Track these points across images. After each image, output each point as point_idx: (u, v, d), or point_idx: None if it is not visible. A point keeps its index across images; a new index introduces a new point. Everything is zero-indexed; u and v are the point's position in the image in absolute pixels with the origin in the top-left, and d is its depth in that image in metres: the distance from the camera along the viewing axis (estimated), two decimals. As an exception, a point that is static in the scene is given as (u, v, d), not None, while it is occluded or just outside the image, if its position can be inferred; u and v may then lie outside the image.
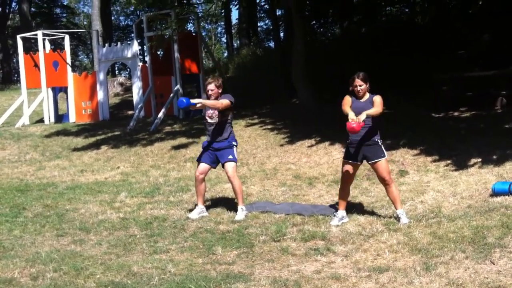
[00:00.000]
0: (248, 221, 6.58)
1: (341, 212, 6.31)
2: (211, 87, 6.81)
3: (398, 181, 8.17)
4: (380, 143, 6.23)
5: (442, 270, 4.56)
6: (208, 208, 7.25)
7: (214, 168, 7.14)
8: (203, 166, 6.94)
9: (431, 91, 12.82)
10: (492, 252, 4.84)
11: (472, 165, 8.20)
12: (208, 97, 6.86)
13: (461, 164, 8.34)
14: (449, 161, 8.58)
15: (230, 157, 6.89)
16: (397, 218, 6.10)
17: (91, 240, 6.16)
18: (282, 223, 6.33)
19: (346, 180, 6.32)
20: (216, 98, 6.84)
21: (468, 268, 4.56)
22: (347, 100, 6.22)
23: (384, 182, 6.21)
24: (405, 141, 9.80)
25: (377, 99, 6.18)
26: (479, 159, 8.36)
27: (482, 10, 20.23)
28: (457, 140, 9.45)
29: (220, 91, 6.86)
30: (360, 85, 6.15)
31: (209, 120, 6.94)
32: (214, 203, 7.67)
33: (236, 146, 7.05)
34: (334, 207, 6.90)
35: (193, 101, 6.64)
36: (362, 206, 7.03)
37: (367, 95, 6.22)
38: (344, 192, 6.38)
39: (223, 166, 6.97)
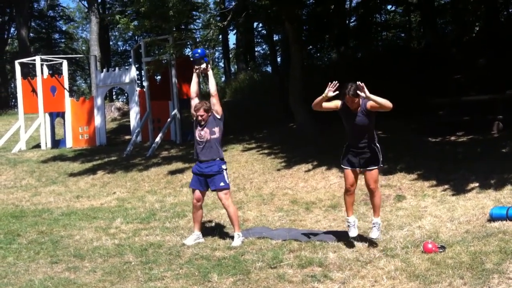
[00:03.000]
0: (244, 247, 6.51)
1: (352, 218, 6.33)
2: (201, 112, 6.84)
3: (395, 206, 8.14)
4: (377, 150, 6.23)
5: (441, 297, 4.50)
6: (204, 233, 7.18)
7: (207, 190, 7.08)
8: (198, 193, 6.91)
9: (427, 116, 12.83)
10: (491, 278, 4.78)
11: (470, 190, 8.17)
12: (198, 122, 6.88)
13: (458, 189, 8.31)
14: (446, 186, 8.55)
15: (222, 184, 6.82)
16: (374, 227, 6.25)
17: (85, 267, 6.08)
18: (279, 249, 6.26)
19: (350, 186, 6.28)
20: (206, 121, 6.85)
21: (467, 295, 4.51)
22: (335, 102, 6.21)
23: (370, 189, 6.30)
24: (402, 165, 9.79)
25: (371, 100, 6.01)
26: (477, 184, 8.33)
27: (477, 36, 20.44)
28: (454, 165, 9.43)
29: (209, 114, 6.90)
30: (354, 101, 6.05)
31: (199, 139, 6.90)
32: (211, 229, 7.61)
33: (226, 169, 6.97)
34: (332, 232, 6.84)
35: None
36: (360, 231, 6.96)
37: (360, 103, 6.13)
38: (349, 198, 6.35)
39: (216, 192, 6.92)
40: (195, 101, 7.12)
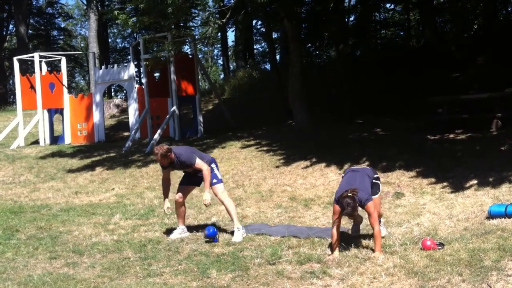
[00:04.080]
0: (243, 243, 6.52)
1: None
2: (160, 161, 6.75)
3: (394, 203, 8.15)
4: (378, 182, 6.26)
5: (439, 293, 4.51)
6: (202, 230, 7.20)
7: (197, 186, 7.19)
8: (182, 188, 7.02)
9: (426, 114, 12.85)
10: (489, 275, 4.79)
11: (468, 188, 8.18)
12: (164, 167, 6.87)
13: (457, 186, 8.32)
14: (445, 183, 8.56)
15: (214, 180, 6.88)
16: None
17: (84, 263, 6.08)
18: (277, 246, 6.27)
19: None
20: (172, 163, 6.76)
21: (465, 291, 4.52)
22: (336, 211, 5.85)
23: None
24: (401, 163, 9.80)
25: (370, 208, 5.78)
26: (475, 181, 8.34)
27: (476, 34, 20.46)
28: (453, 163, 9.44)
29: (170, 154, 6.70)
30: (353, 210, 5.74)
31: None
32: (209, 225, 7.59)
33: (216, 166, 7.02)
34: (330, 229, 6.84)
35: (204, 201, 6.66)
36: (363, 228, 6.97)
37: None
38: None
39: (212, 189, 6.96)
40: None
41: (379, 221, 6.14)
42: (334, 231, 5.84)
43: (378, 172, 6.45)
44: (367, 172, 6.25)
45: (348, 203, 5.67)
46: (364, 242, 6.20)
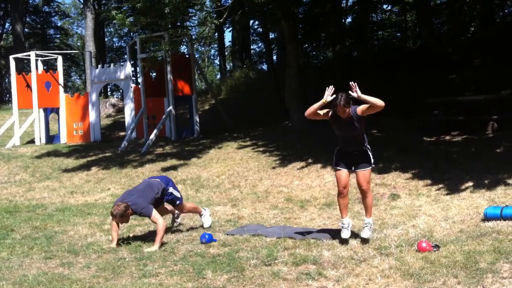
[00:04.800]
0: (239, 244, 6.51)
1: (347, 220, 6.32)
2: (119, 221, 6.72)
3: (390, 205, 8.15)
4: (369, 151, 6.28)
5: (435, 295, 4.51)
6: (197, 230, 7.20)
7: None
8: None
9: (422, 115, 12.88)
10: (485, 278, 4.79)
11: (464, 190, 8.20)
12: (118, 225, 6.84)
13: (452, 188, 8.33)
14: (441, 185, 8.58)
15: (178, 202, 7.20)
16: (365, 226, 6.27)
17: (79, 263, 6.06)
18: (273, 247, 6.26)
19: (342, 188, 6.28)
20: (129, 216, 6.72)
21: (461, 293, 4.52)
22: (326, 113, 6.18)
23: (362, 190, 6.31)
24: (397, 164, 9.81)
25: (362, 106, 6.05)
26: (471, 183, 8.36)
27: (473, 36, 20.51)
28: (449, 164, 9.46)
29: (129, 212, 6.64)
30: (345, 111, 6.03)
31: None
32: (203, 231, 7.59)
33: (173, 186, 7.25)
34: (326, 231, 6.85)
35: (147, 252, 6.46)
36: (354, 229, 6.97)
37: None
38: (343, 201, 6.36)
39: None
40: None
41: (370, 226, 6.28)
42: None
43: (372, 174, 6.49)
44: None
45: (341, 95, 5.96)
46: (359, 243, 6.20)
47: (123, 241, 6.88)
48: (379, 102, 5.90)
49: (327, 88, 6.05)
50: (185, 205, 7.38)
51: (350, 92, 5.92)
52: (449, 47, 18.69)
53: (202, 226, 7.45)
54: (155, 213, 6.68)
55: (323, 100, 6.04)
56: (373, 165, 6.34)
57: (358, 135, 6.22)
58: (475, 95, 12.73)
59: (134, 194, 6.76)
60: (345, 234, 6.27)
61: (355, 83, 5.93)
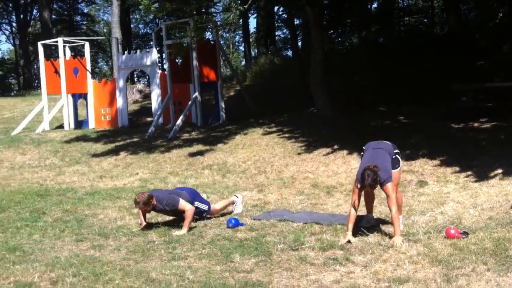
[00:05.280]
0: (266, 229, 6.56)
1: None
2: (142, 209, 6.79)
3: (418, 191, 8.12)
4: (398, 157, 6.22)
5: (463, 282, 4.51)
6: (224, 215, 7.28)
7: None
8: None
9: (450, 102, 12.73)
10: (514, 265, 4.77)
11: (493, 177, 8.12)
12: (144, 214, 6.93)
13: (481, 175, 8.26)
14: (469, 172, 8.51)
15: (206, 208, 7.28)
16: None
17: (110, 245, 6.18)
18: (300, 232, 6.30)
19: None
20: (154, 208, 6.81)
21: (490, 280, 4.50)
22: (356, 192, 6.00)
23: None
24: (424, 151, 9.74)
25: (389, 189, 5.82)
26: (500, 171, 8.27)
27: (501, 22, 20.13)
28: (477, 151, 9.37)
29: (152, 201, 6.74)
30: (373, 182, 5.80)
31: None
32: (230, 211, 7.67)
33: (198, 194, 7.37)
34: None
35: (174, 234, 6.57)
36: (382, 216, 6.97)
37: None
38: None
39: None
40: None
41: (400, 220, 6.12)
42: (352, 210, 5.94)
43: (400, 155, 6.41)
44: (388, 150, 6.24)
45: (368, 174, 5.75)
46: (388, 229, 6.20)
47: (153, 225, 6.99)
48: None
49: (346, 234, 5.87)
50: (215, 209, 7.37)
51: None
52: (477, 33, 18.38)
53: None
54: (181, 201, 6.77)
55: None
56: (400, 168, 6.24)
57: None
58: (504, 81, 12.52)
59: (160, 190, 7.05)
60: (363, 223, 6.21)
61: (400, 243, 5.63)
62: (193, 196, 7.16)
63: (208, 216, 7.33)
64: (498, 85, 12.50)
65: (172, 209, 6.82)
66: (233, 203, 7.60)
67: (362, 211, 6.59)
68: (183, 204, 6.75)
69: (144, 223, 6.89)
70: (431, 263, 5.00)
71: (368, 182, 5.76)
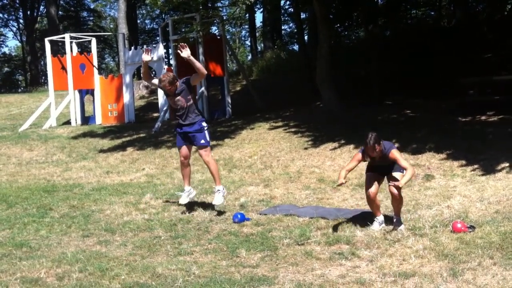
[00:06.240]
0: (272, 224, 6.57)
1: (381, 218, 6.21)
2: (166, 85, 7.01)
3: (424, 185, 8.09)
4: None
5: (470, 276, 4.50)
6: (230, 210, 7.28)
7: (193, 145, 7.40)
8: (185, 149, 7.26)
9: (457, 95, 12.66)
10: (521, 259, 4.75)
11: (500, 170, 8.08)
12: (168, 93, 7.14)
13: (488, 169, 8.22)
14: (476, 166, 8.47)
15: (203, 141, 7.16)
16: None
17: (116, 241, 6.21)
18: (306, 227, 6.30)
19: (371, 196, 6.09)
20: (175, 91, 7.07)
21: (496, 274, 4.49)
22: (356, 158, 6.09)
23: (392, 195, 6.03)
24: (431, 145, 9.70)
25: (395, 154, 5.89)
26: (507, 164, 8.22)
27: (509, 15, 19.98)
28: (484, 145, 9.32)
29: (176, 82, 7.09)
30: (376, 150, 5.86)
31: (175, 107, 7.24)
32: (238, 205, 7.67)
33: (207, 128, 7.30)
34: (359, 211, 6.85)
35: (182, 54, 6.99)
36: (387, 210, 6.95)
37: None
38: (373, 203, 6.16)
39: (197, 150, 7.29)
40: (155, 80, 7.39)
41: (399, 220, 6.10)
42: (342, 170, 6.06)
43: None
44: None
45: (371, 135, 5.82)
46: (393, 224, 6.18)
47: (158, 220, 7.00)
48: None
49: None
50: (209, 158, 7.19)
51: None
52: (485, 26, 18.26)
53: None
54: (194, 75, 7.15)
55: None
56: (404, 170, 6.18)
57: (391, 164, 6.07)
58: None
59: None
60: (375, 226, 6.14)
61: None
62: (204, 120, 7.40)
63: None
64: (506, 78, 12.41)
65: (189, 84, 7.13)
66: (217, 184, 7.25)
67: (363, 207, 6.56)
68: (197, 74, 7.11)
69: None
70: (437, 257, 4.99)
71: (371, 142, 5.79)
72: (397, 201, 5.95)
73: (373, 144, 5.81)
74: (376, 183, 6.10)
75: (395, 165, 5.98)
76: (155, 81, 7.40)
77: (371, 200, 6.12)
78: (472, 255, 4.95)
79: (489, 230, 5.55)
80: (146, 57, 7.14)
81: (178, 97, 7.10)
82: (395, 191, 5.85)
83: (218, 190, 7.19)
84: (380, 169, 6.10)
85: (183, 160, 7.30)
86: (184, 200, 7.36)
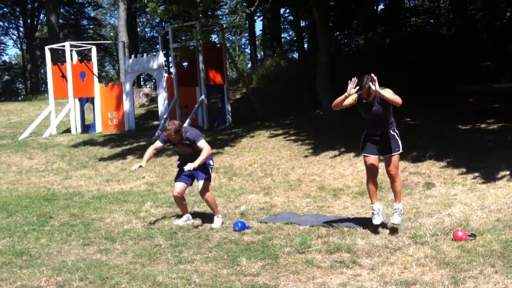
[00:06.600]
0: (272, 232, 6.55)
1: (377, 205, 6.30)
2: (172, 137, 6.86)
3: (424, 193, 8.09)
4: (396, 136, 6.22)
5: (471, 284, 4.48)
6: (231, 218, 7.27)
7: (190, 185, 7.32)
8: (180, 185, 7.12)
9: (457, 103, 12.68)
10: (522, 267, 4.74)
11: (500, 178, 8.07)
12: (174, 143, 7.00)
13: (488, 177, 8.21)
14: (476, 174, 8.46)
15: (206, 176, 7.07)
16: (395, 212, 6.22)
17: (116, 249, 6.19)
18: (306, 235, 6.28)
19: (371, 173, 6.28)
20: (181, 140, 6.89)
21: (498, 283, 4.48)
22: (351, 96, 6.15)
23: (390, 175, 6.26)
24: (431, 153, 9.70)
25: (389, 90, 6.03)
26: (507, 172, 8.22)
27: (508, 22, 20.05)
28: (485, 153, 9.32)
29: (182, 130, 6.85)
30: (371, 94, 6.00)
31: (181, 153, 7.19)
32: (238, 214, 7.66)
33: (212, 166, 7.27)
34: (360, 219, 6.84)
35: (186, 168, 6.67)
36: (388, 218, 6.94)
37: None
38: (372, 186, 6.33)
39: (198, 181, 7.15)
40: (157, 143, 7.19)
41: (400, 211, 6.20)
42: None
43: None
44: None
45: (367, 77, 5.88)
46: (394, 232, 6.17)
47: (159, 228, 6.99)
48: (396, 100, 5.88)
49: (349, 81, 6.00)
50: (208, 193, 7.09)
51: (370, 84, 5.86)
52: (484, 33, 18.32)
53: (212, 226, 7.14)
54: (203, 141, 6.87)
55: (346, 94, 6.01)
56: (401, 151, 6.26)
57: (384, 119, 6.17)
58: (511, 82, 12.46)
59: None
60: (377, 220, 6.25)
61: (376, 77, 5.89)
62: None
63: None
64: (505, 85, 12.44)
65: (192, 142, 6.85)
66: (216, 214, 7.15)
67: (363, 215, 6.55)
68: (202, 144, 6.83)
69: (144, 161, 7.03)
70: (439, 266, 4.97)
71: (367, 84, 5.86)
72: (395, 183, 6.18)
73: (368, 88, 5.90)
74: (374, 164, 6.23)
75: (392, 142, 6.12)
76: (158, 144, 7.22)
77: (371, 173, 6.28)
78: (474, 263, 4.94)
79: (490, 238, 5.54)
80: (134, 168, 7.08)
81: (184, 147, 7.03)
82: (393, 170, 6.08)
83: (217, 216, 7.09)
84: (376, 143, 6.21)
85: (177, 195, 7.11)
86: (181, 222, 7.18)
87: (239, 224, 6.78)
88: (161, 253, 5.92)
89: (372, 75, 5.91)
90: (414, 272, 4.89)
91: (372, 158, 6.24)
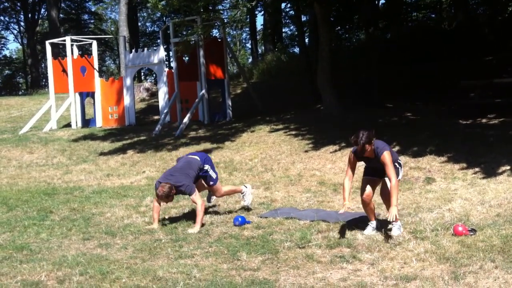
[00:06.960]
0: (272, 227, 6.55)
1: (374, 223, 6.13)
2: (164, 201, 6.82)
3: (425, 188, 8.08)
4: (398, 166, 6.08)
5: (471, 279, 4.48)
6: (230, 213, 7.28)
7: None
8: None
9: (458, 98, 12.66)
10: (523, 262, 4.73)
11: (501, 173, 8.06)
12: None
13: (489, 172, 8.20)
14: (477, 169, 8.45)
15: (211, 183, 7.20)
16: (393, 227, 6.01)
17: (117, 244, 6.19)
18: (307, 230, 6.28)
19: (365, 196, 6.05)
20: (173, 196, 6.80)
21: (498, 278, 4.47)
22: (351, 161, 6.00)
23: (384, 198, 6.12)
24: (432, 148, 9.69)
25: (385, 158, 5.76)
26: (508, 167, 8.21)
27: (510, 17, 19.99)
28: (485, 148, 9.31)
29: (173, 191, 6.72)
30: (367, 150, 5.77)
31: None
32: (239, 208, 7.66)
33: (211, 166, 7.25)
34: (360, 214, 6.83)
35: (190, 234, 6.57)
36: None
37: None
38: (368, 207, 6.10)
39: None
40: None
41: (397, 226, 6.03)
42: (346, 181, 5.94)
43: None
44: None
45: (362, 135, 5.71)
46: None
47: (159, 222, 6.98)
48: (393, 180, 5.65)
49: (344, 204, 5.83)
50: (220, 189, 7.29)
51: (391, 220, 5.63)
52: (486, 28, 18.27)
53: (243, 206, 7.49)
54: (196, 192, 6.77)
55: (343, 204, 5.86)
56: (400, 179, 6.11)
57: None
58: (513, 77, 12.45)
59: (175, 173, 6.83)
60: (369, 231, 6.06)
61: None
62: (203, 160, 7.12)
63: (211, 201, 7.51)
64: (507, 81, 12.42)
65: (187, 194, 6.84)
66: (241, 192, 7.50)
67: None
68: (196, 198, 6.74)
69: (156, 221, 6.85)
70: (439, 261, 4.97)
71: (363, 140, 5.68)
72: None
73: (363, 144, 5.73)
74: (369, 186, 6.05)
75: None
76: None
77: (365, 204, 6.09)
78: (474, 258, 4.93)
79: (491, 233, 5.54)
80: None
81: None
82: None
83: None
84: (378, 172, 6.04)
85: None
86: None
87: (239, 219, 6.78)
88: (161, 247, 5.92)
89: (393, 216, 5.58)
90: (414, 267, 4.89)
91: (368, 180, 6.08)
